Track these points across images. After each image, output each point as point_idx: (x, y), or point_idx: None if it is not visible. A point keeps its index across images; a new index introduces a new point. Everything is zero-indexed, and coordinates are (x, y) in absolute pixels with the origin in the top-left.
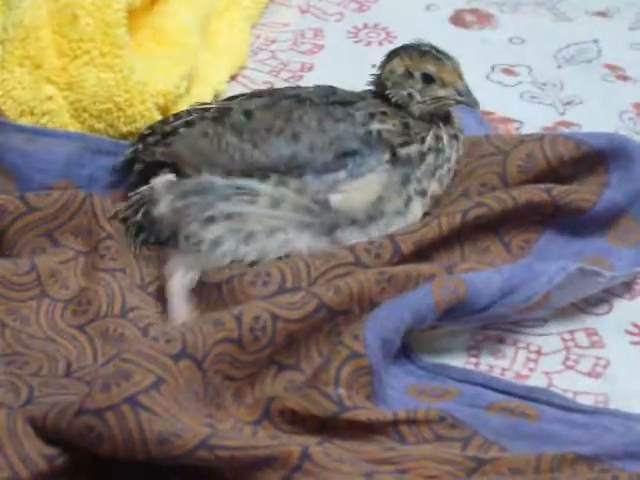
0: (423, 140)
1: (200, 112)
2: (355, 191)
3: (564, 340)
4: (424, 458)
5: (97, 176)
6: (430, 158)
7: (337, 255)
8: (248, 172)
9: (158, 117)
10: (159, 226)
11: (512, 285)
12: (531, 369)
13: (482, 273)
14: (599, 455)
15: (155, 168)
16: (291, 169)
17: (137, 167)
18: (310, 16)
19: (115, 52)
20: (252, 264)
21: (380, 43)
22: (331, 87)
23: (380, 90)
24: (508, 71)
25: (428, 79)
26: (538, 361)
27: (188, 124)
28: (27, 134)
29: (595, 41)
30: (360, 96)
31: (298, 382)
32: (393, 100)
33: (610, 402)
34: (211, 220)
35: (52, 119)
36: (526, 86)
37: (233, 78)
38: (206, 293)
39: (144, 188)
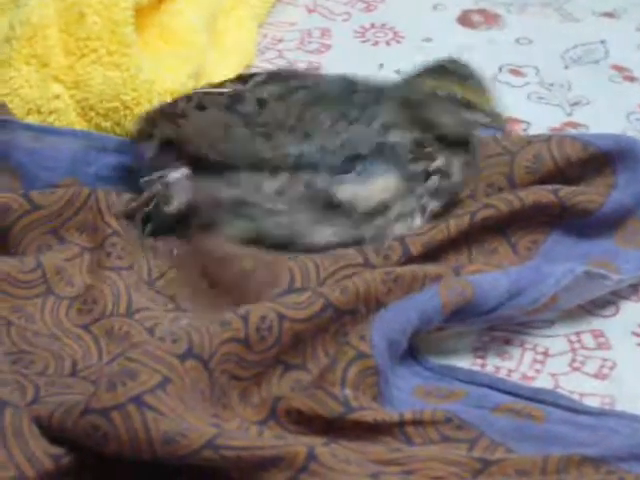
0: (433, 159)
1: (213, 96)
2: (359, 190)
3: (571, 342)
4: (430, 459)
5: (103, 174)
6: (435, 179)
7: (346, 256)
8: (258, 166)
9: None
10: (170, 220)
11: (519, 287)
12: (537, 370)
13: (489, 275)
14: (605, 457)
15: (167, 151)
16: (299, 167)
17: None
18: (317, 15)
19: (122, 51)
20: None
21: (387, 43)
22: (352, 82)
23: (403, 95)
24: (515, 72)
25: (454, 101)
26: (545, 362)
27: (200, 107)
28: (33, 132)
29: (602, 42)
30: (380, 93)
31: (304, 382)
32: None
33: (616, 404)
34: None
35: (59, 117)
36: (533, 87)
37: None
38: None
39: (157, 186)
